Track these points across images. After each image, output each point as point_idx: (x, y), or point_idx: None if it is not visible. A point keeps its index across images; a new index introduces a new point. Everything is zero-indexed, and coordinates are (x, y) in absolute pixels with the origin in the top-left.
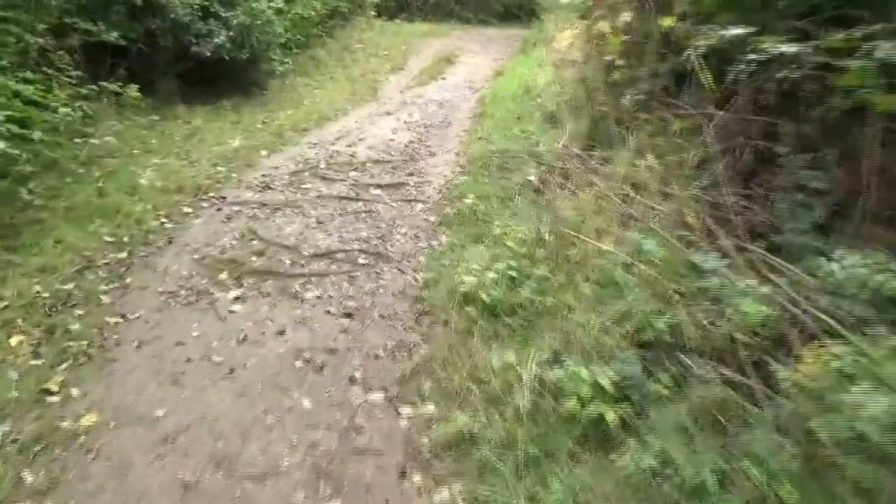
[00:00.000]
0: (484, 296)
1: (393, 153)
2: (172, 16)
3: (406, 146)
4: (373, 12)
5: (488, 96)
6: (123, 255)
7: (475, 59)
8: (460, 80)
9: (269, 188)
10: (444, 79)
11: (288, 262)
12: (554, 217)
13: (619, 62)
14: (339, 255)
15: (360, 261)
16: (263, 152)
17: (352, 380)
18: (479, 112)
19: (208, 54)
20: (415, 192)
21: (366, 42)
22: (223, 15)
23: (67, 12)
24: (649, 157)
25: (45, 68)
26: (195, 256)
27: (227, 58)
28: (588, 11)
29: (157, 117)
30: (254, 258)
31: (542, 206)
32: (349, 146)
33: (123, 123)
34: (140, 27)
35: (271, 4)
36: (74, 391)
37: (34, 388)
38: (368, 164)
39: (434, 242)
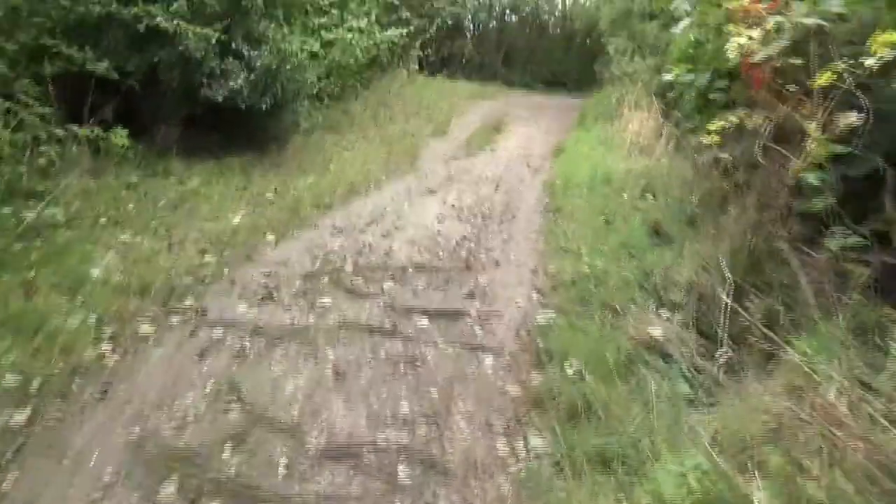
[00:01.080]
0: None
1: (442, 255)
2: (181, 48)
3: (458, 244)
4: (415, 66)
5: (558, 182)
6: (23, 417)
7: (526, 128)
8: (513, 153)
9: (272, 299)
10: (493, 150)
11: (282, 464)
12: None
13: (812, 180)
14: (368, 457)
15: (401, 476)
16: (271, 236)
17: None
18: (550, 205)
19: (220, 99)
20: (479, 332)
21: (405, 98)
22: (246, 54)
23: (49, 32)
24: None
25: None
26: (134, 433)
27: (243, 106)
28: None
29: (143, 173)
30: (227, 450)
31: (697, 403)
32: (384, 237)
33: (96, 180)
34: (140, 59)
35: (305, 46)
36: None
37: None
38: (410, 271)
39: (521, 447)
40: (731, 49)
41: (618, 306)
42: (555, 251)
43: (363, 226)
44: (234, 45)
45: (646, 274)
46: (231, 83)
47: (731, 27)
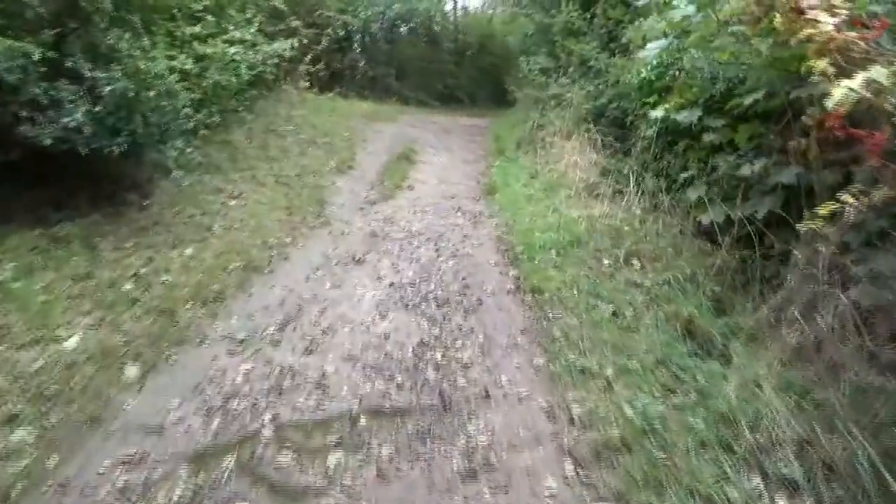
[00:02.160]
0: None
1: (401, 379)
2: None
3: (418, 357)
4: (305, 83)
5: (513, 240)
6: None
7: (439, 157)
8: (437, 193)
9: None
10: (411, 188)
11: None
12: None
13: None
14: None
15: None
16: (132, 370)
17: None
18: (522, 281)
19: (49, 142)
20: None
21: (298, 123)
22: (88, 75)
23: None
24: None
25: None
26: None
27: (85, 150)
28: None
29: None
30: None
31: None
32: (308, 352)
33: None
34: None
35: (174, 64)
36: None
37: None
38: (362, 423)
39: None
40: (837, 96)
41: (709, 491)
42: (565, 371)
43: (275, 331)
44: (70, 65)
45: (723, 419)
46: (66, 118)
47: (813, 62)
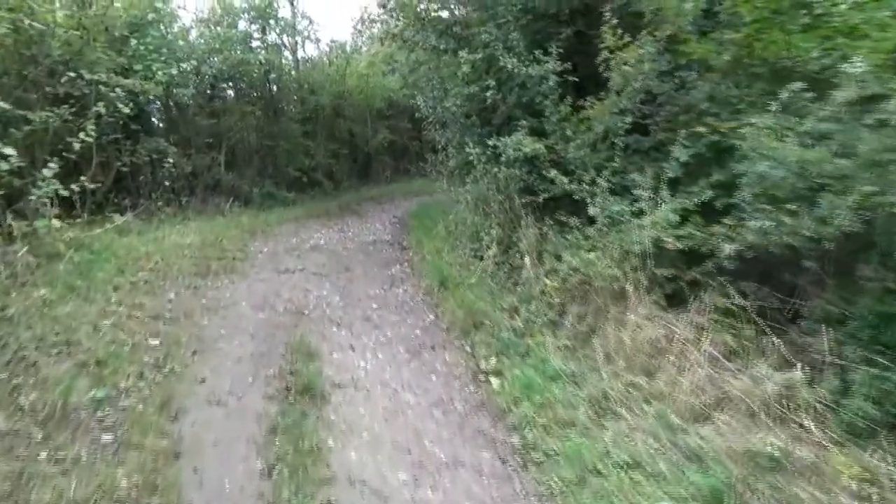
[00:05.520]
0: None
1: None
2: None
3: None
4: (53, 220)
5: None
6: None
7: (369, 360)
8: None
9: None
10: None
11: None
12: None
13: None
14: None
15: None
16: None
17: None
18: None
19: None
20: None
21: (28, 338)
22: None
23: None
24: None
25: None
26: None
27: None
28: None
29: None
30: None
31: None
32: None
33: None
34: None
35: None
36: None
37: None
38: None
39: None
40: None
41: None
42: None
43: None
44: None
45: None
46: None
47: None
